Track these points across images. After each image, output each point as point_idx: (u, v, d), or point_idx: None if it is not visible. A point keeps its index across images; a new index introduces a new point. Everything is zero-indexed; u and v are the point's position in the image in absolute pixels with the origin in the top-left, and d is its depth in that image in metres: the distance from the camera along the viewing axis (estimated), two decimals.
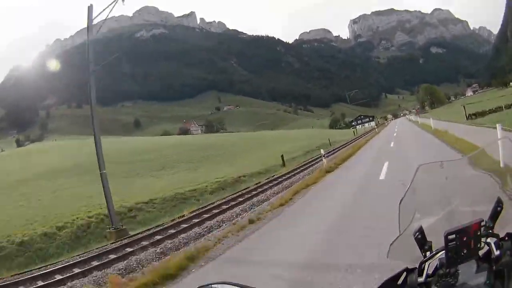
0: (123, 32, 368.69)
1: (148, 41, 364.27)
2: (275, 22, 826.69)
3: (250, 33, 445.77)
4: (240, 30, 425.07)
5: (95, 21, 17.18)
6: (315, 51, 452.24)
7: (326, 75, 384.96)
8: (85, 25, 17.01)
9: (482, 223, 0.96)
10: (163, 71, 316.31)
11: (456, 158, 1.34)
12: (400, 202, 1.16)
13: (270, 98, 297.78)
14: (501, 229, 1.02)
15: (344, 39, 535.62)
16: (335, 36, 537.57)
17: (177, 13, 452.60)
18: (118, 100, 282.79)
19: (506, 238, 0.99)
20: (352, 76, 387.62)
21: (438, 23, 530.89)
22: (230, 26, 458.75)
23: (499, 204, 1.01)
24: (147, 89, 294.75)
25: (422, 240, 1.03)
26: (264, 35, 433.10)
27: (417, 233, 1.03)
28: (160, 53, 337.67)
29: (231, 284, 1.02)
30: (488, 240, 0.98)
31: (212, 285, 1.02)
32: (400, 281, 1.02)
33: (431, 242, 1.04)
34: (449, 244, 0.92)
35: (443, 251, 0.96)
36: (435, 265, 1.00)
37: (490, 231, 0.99)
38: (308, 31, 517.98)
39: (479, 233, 0.94)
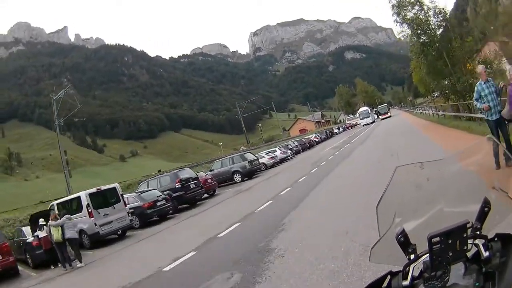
0: None
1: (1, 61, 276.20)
2: (174, 38, 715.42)
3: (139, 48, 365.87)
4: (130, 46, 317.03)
5: None
6: (192, 65, 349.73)
7: (187, 91, 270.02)
8: None
9: (469, 225, 0.89)
10: None
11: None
12: (377, 206, 1.06)
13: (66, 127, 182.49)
14: (489, 230, 0.95)
15: (243, 54, 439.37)
16: (233, 51, 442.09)
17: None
18: None
19: (496, 239, 0.93)
20: (231, 93, 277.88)
21: (357, 31, 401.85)
22: (120, 42, 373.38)
23: (486, 204, 0.94)
24: None
25: (405, 243, 0.96)
26: (115, 43, 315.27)
27: (400, 236, 0.95)
28: None
29: None
30: (476, 241, 0.92)
31: None
32: (384, 285, 0.96)
33: (415, 244, 0.96)
34: (434, 247, 0.86)
35: (428, 254, 0.89)
36: (421, 268, 0.93)
37: (478, 232, 0.92)
38: (201, 46, 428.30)
39: (465, 235, 0.88)
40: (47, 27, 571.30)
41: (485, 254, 0.90)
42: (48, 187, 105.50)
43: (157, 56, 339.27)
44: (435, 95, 78.69)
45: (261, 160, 28.46)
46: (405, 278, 0.93)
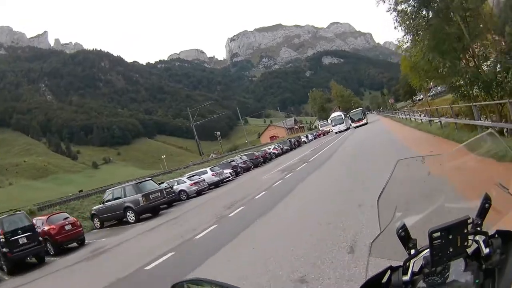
0: None
1: None
2: (152, 44, 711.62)
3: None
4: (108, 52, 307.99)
5: None
6: (169, 70, 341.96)
7: (162, 97, 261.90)
8: None
9: (469, 221, 0.87)
10: None
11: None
12: (378, 198, 1.03)
13: (42, 133, 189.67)
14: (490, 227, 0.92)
15: (220, 60, 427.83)
16: (210, 57, 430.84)
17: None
18: None
19: (496, 236, 0.91)
20: (207, 99, 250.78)
21: (335, 36, 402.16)
22: (98, 47, 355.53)
23: (486, 200, 0.91)
24: None
25: (406, 238, 0.94)
26: (92, 48, 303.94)
27: (400, 231, 0.93)
28: None
29: (205, 281, 0.99)
30: (477, 238, 0.90)
31: (187, 282, 0.99)
32: (384, 280, 0.94)
33: (415, 239, 0.94)
34: (434, 242, 0.84)
35: (428, 249, 0.87)
36: (421, 263, 0.92)
37: (478, 228, 0.90)
38: (178, 52, 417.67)
39: (466, 231, 0.86)
40: (28, 31, 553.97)
41: (486, 250, 0.88)
42: (18, 194, 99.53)
43: (134, 61, 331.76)
44: (417, 98, 70.76)
45: (180, 186, 20.52)
46: (405, 273, 0.92)
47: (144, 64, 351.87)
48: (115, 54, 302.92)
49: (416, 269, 0.92)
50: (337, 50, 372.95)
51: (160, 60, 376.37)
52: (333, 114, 54.93)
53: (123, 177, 70.08)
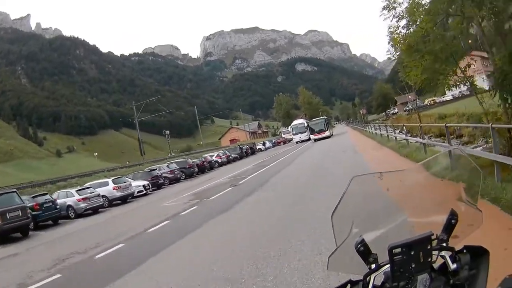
0: None
1: None
2: (130, 36, 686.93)
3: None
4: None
5: None
6: (142, 64, 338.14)
7: (132, 90, 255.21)
8: None
9: (434, 236, 0.86)
10: None
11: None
12: (332, 215, 1.00)
13: (13, 116, 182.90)
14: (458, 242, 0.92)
15: (194, 58, 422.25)
16: (184, 54, 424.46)
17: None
18: None
19: (464, 251, 0.89)
20: (176, 95, 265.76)
21: (311, 44, 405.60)
22: (75, 34, 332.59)
23: (453, 216, 0.91)
24: None
25: (365, 252, 0.91)
26: (70, 35, 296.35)
27: (359, 245, 0.91)
28: None
29: None
30: (443, 253, 0.89)
31: None
32: None
33: (376, 254, 0.91)
34: (395, 258, 0.82)
35: (389, 264, 0.86)
36: (382, 277, 0.90)
37: (444, 244, 0.89)
38: (153, 46, 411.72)
39: (429, 247, 0.85)
40: (13, 13, 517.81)
41: (453, 266, 0.87)
42: None
43: (109, 52, 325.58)
44: (391, 112, 66.01)
45: (68, 201, 16.15)
46: (365, 287, 0.91)
47: (119, 55, 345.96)
48: (91, 43, 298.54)
49: (378, 283, 0.90)
50: (312, 57, 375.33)
51: (134, 53, 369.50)
52: (295, 122, 50.40)
53: (84, 168, 67.55)
